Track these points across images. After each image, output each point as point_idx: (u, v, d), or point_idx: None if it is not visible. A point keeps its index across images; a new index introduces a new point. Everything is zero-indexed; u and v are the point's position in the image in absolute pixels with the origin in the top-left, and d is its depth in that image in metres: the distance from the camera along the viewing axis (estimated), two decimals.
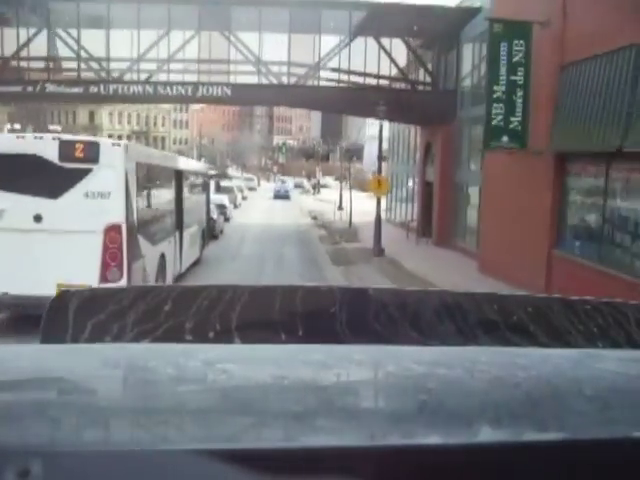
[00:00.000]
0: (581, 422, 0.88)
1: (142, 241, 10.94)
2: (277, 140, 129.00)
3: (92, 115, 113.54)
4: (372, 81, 25.84)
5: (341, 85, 25.37)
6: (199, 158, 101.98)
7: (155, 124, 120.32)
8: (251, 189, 65.70)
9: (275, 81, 25.02)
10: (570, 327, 1.46)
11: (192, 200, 16.96)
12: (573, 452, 0.75)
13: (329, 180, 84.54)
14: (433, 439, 0.79)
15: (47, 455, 0.69)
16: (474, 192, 23.38)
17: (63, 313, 1.44)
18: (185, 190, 15.59)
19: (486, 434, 0.82)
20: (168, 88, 24.39)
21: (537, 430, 0.84)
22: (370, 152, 27.52)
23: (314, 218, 40.79)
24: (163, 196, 13.25)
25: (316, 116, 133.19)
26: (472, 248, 22.36)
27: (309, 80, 25.27)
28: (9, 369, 1.03)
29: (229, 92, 24.27)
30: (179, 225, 14.80)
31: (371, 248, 23.64)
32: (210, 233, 21.29)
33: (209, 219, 20.98)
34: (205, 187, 20.11)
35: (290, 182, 78.63)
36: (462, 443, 0.77)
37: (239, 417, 0.85)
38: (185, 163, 17.41)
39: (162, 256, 12.62)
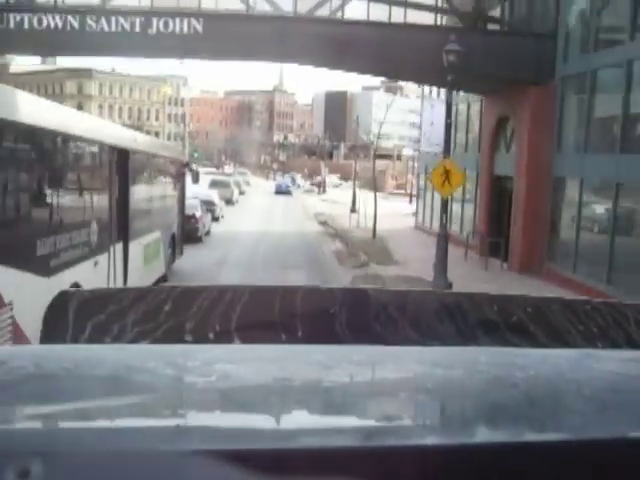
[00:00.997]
0: (580, 422, 0.86)
1: (5, 274, 5.77)
2: (277, 137, 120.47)
3: (80, 108, 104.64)
4: (423, 19, 16.39)
5: (377, 21, 15.88)
6: (192, 154, 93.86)
7: (148, 118, 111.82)
8: (246, 183, 61.78)
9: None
10: (570, 327, 1.43)
11: (152, 195, 12.13)
12: (572, 452, 0.73)
13: (334, 179, 75.52)
14: (433, 439, 0.77)
15: (47, 455, 0.68)
16: (603, 191, 14.02)
17: (63, 314, 1.41)
18: (136, 180, 10.80)
19: (485, 434, 0.80)
20: (104, 21, 14.96)
21: (536, 430, 0.81)
22: (433, 127, 17.33)
23: (323, 223, 31.41)
24: (79, 188, 8.16)
25: (319, 112, 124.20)
26: (599, 285, 13.00)
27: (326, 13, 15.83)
28: (9, 369, 1.02)
29: (199, 27, 14.87)
30: (122, 233, 9.85)
31: (421, 278, 14.44)
32: (185, 238, 16.15)
33: (184, 220, 16.06)
34: (178, 177, 14.97)
35: (299, 180, 69.66)
36: (462, 443, 0.75)
37: (239, 417, 0.84)
38: (136, 140, 11.33)
39: None
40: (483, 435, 0.79)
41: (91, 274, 8.25)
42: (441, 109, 13.29)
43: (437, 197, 26.55)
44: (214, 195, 29.37)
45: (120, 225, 9.70)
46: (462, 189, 22.82)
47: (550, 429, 0.82)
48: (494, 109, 18.65)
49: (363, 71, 18.95)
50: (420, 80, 19.05)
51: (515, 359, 1.16)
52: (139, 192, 10.97)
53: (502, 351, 1.29)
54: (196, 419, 0.86)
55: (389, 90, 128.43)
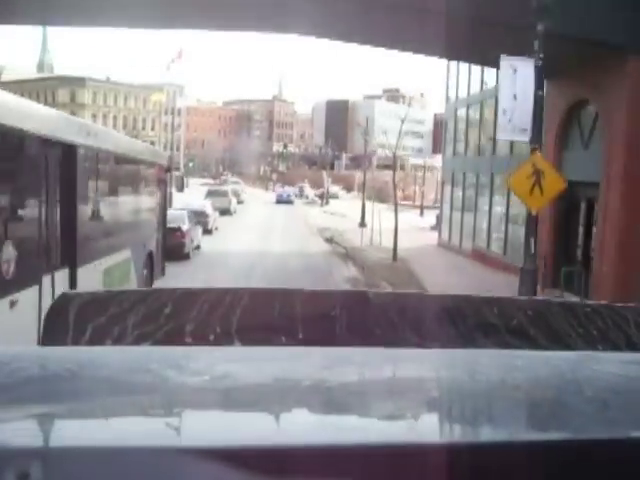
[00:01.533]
0: (581, 423, 0.86)
1: None
2: (277, 147, 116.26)
3: None
4: None
5: None
6: (187, 164, 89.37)
7: (144, 128, 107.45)
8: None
9: None
10: (570, 330, 1.42)
11: (117, 205, 9.53)
12: (573, 452, 0.73)
13: (337, 190, 70.77)
14: (433, 440, 0.77)
15: (47, 456, 0.69)
16: None
17: (64, 316, 1.41)
18: (90, 186, 8.38)
19: (485, 435, 0.80)
20: None
21: (537, 431, 0.82)
22: (516, 103, 11.64)
23: (330, 241, 26.67)
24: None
25: (319, 122, 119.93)
26: None
27: None
28: (11, 371, 1.01)
29: None
30: (66, 255, 7.37)
31: None
32: (168, 255, 13.99)
33: (166, 234, 13.58)
34: (156, 184, 12.50)
35: (308, 190, 65.33)
36: (462, 443, 0.75)
37: (239, 419, 0.84)
38: (89, 134, 8.34)
39: None
40: (484, 435, 0.77)
41: (4, 321, 5.72)
42: (528, 75, 8.61)
43: (468, 209, 22.01)
44: (207, 205, 26.90)
45: (63, 245, 7.42)
46: (505, 196, 18.27)
47: (551, 430, 0.80)
48: (563, 92, 13.95)
49: (388, 43, 14.25)
50: (474, 52, 14.31)
51: (515, 361, 1.17)
52: (95, 202, 8.74)
53: (502, 353, 1.29)
54: (197, 421, 0.83)
55: (391, 99, 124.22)
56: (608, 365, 1.15)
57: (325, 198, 53.13)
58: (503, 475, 0.71)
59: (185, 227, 18.26)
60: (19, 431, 0.76)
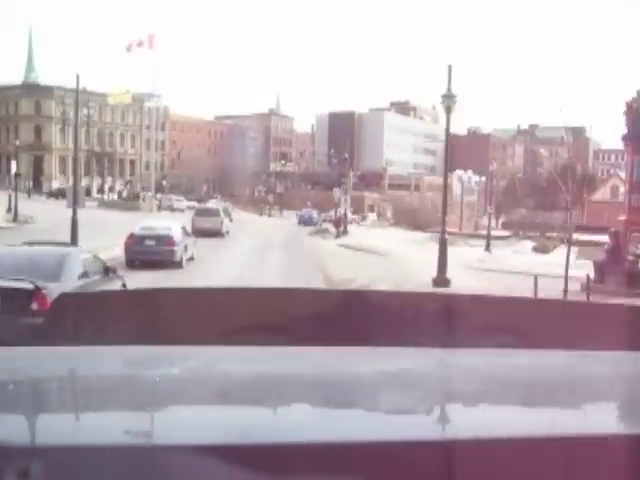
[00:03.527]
0: (580, 422, 0.85)
1: None
2: (273, 166, 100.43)
3: (38, 131, 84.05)
4: None
5: None
6: (168, 184, 73.22)
7: (122, 144, 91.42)
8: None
9: None
10: (569, 329, 1.38)
11: None
12: (572, 450, 0.73)
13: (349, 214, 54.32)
14: (432, 438, 0.77)
15: (47, 454, 0.68)
16: None
17: (63, 316, 1.37)
18: None
19: (484, 433, 0.79)
20: None
21: (536, 429, 0.81)
22: None
23: None
24: None
25: (321, 135, 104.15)
26: None
27: None
28: (10, 370, 0.99)
29: None
30: None
31: None
32: None
33: None
34: None
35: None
36: (460, 441, 0.74)
37: (239, 418, 0.83)
38: None
39: None
40: (483, 434, 0.77)
41: None
42: None
43: None
44: (174, 228, 18.80)
45: None
46: None
47: (550, 428, 0.80)
48: None
49: None
50: None
51: (514, 360, 1.14)
52: None
53: (501, 352, 1.26)
54: (197, 420, 0.82)
55: (400, 111, 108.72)
56: (606, 364, 1.12)
57: (343, 226, 36.65)
58: (502, 472, 0.70)
59: (57, 285, 6.79)
60: (19, 429, 0.74)
